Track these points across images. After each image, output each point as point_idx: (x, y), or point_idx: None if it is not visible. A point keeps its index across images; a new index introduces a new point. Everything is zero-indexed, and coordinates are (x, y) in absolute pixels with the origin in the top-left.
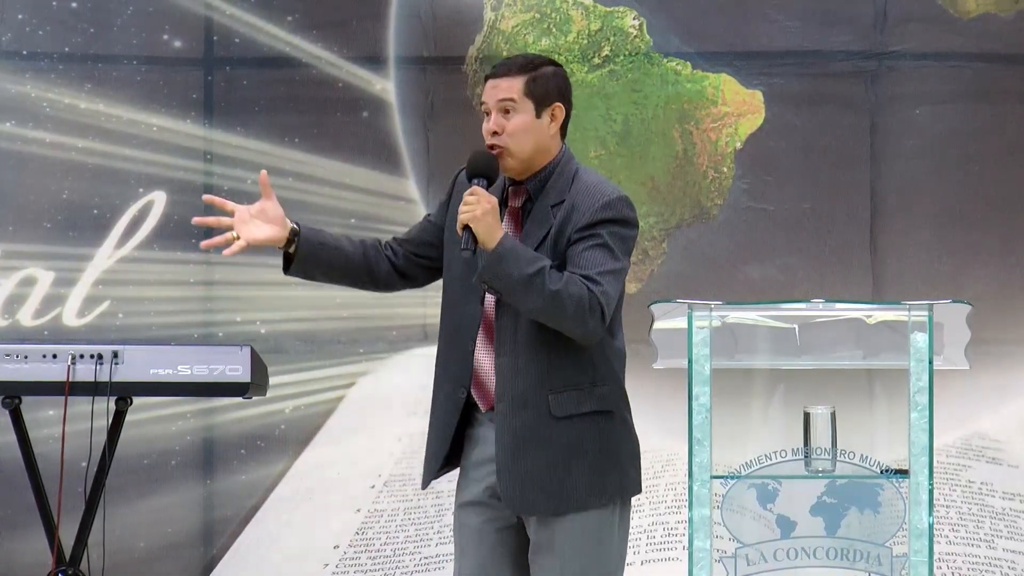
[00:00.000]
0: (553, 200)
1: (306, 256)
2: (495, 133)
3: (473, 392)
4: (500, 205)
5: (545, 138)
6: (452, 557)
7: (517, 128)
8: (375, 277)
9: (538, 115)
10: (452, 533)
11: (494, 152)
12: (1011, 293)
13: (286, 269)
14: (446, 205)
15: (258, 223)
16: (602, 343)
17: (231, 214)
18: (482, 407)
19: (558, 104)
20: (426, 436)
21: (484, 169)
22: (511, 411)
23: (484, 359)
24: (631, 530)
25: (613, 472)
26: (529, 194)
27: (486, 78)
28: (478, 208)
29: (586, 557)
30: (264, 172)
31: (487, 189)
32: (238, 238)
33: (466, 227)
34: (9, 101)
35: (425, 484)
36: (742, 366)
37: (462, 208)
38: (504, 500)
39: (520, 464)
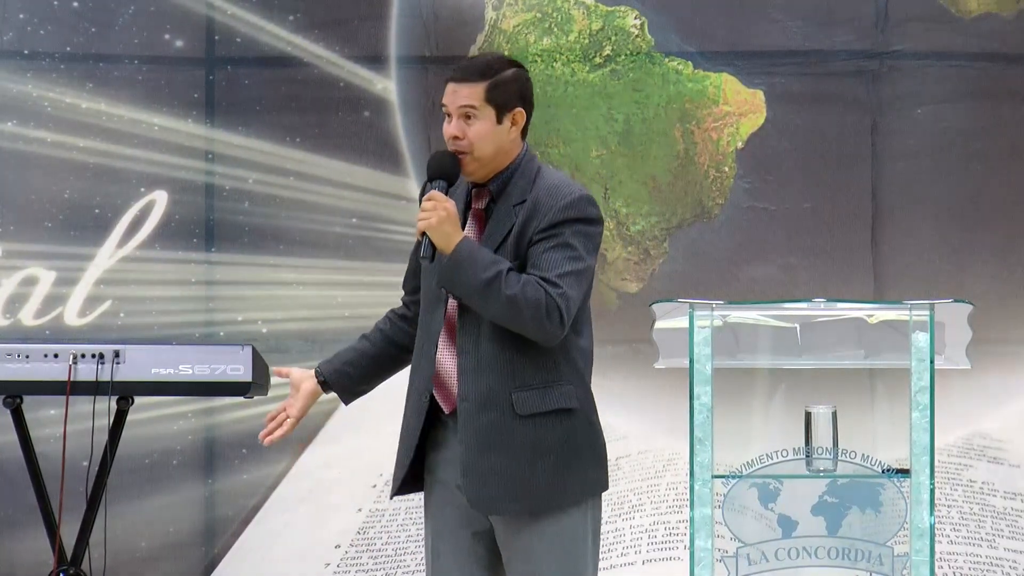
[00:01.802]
0: (515, 200)
1: (344, 387)
2: (456, 138)
3: (436, 394)
4: (464, 207)
5: (506, 142)
6: None
7: (478, 135)
8: (408, 346)
9: (499, 121)
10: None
11: (462, 158)
12: (1012, 292)
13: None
14: None
15: (296, 398)
16: (566, 342)
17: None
18: (445, 409)
19: (519, 109)
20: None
21: (444, 170)
22: (475, 410)
23: (446, 360)
24: (632, 530)
25: (576, 471)
26: (492, 195)
27: (447, 80)
28: (434, 216)
29: (558, 560)
30: (277, 370)
31: (448, 190)
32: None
33: (423, 234)
34: (10, 101)
35: (393, 494)
36: (743, 366)
37: (420, 215)
38: (469, 500)
39: (484, 463)
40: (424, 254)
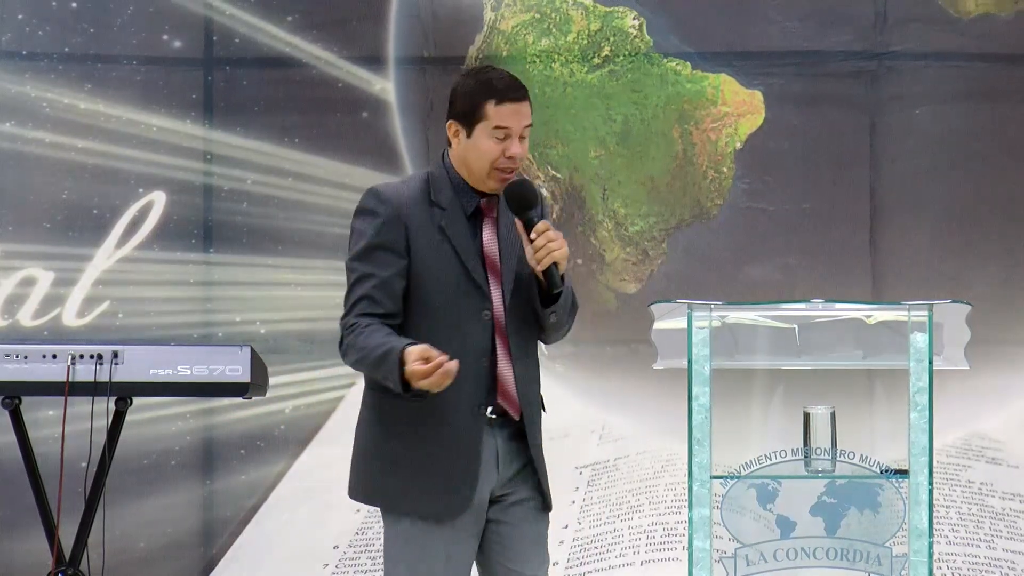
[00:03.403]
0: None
1: None
2: (512, 158)
3: (502, 403)
4: (476, 216)
5: None
6: None
7: (526, 151)
8: None
9: None
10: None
11: (505, 174)
12: (1011, 293)
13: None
14: (403, 238)
15: None
16: None
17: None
18: (515, 416)
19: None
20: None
21: (532, 199)
22: (535, 413)
23: (506, 370)
24: (630, 531)
25: None
26: (497, 204)
27: (506, 99)
28: (565, 247)
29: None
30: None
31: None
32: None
33: (553, 264)
34: (9, 101)
35: (459, 512)
36: (742, 366)
37: (553, 245)
38: (543, 501)
39: (544, 463)
40: (557, 283)
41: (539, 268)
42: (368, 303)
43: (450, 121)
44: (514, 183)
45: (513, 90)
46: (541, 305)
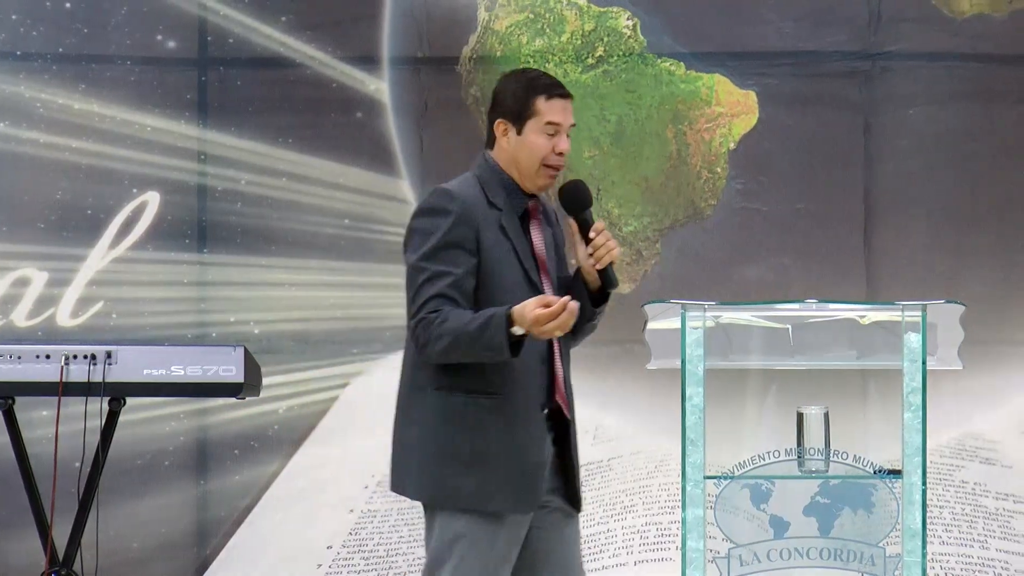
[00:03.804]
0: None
1: None
2: (562, 154)
3: (559, 402)
4: (525, 216)
5: None
6: None
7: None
8: None
9: None
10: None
11: (554, 171)
12: (1005, 293)
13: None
14: (474, 237)
15: None
16: None
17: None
18: (568, 415)
19: None
20: (481, 458)
21: (587, 198)
22: (572, 415)
23: (559, 370)
24: (624, 531)
25: None
26: (540, 203)
27: (558, 95)
28: (617, 247)
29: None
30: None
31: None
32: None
33: (610, 264)
34: (3, 101)
35: (530, 509)
36: (736, 366)
37: (611, 244)
38: (578, 500)
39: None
40: (614, 281)
41: (598, 267)
42: (441, 301)
43: (498, 120)
44: (569, 183)
45: (559, 87)
46: (591, 305)
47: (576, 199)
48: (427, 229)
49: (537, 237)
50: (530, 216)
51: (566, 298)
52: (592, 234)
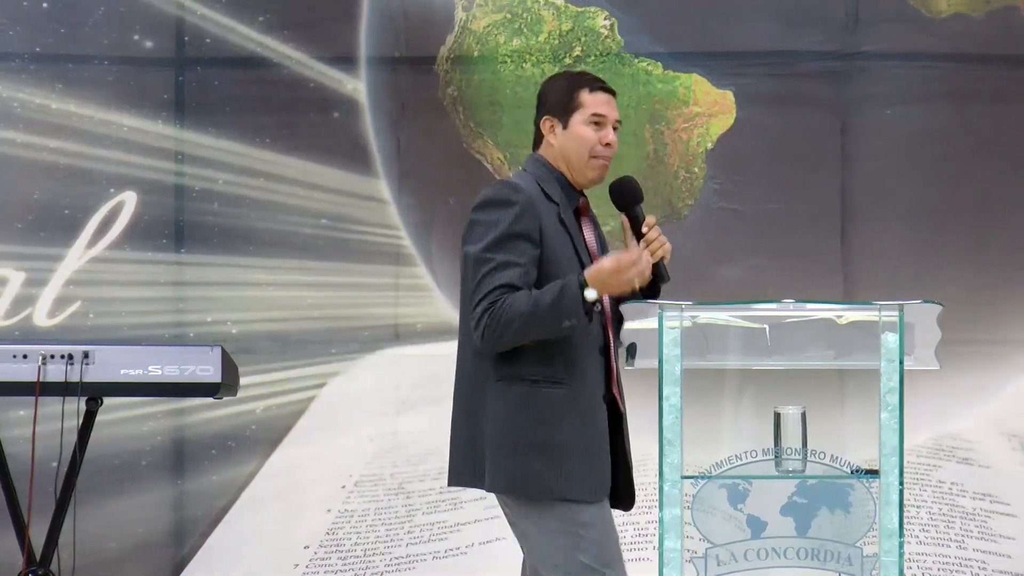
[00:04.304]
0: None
1: None
2: (608, 145)
3: (615, 394)
4: (576, 213)
5: None
6: (422, 558)
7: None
8: None
9: None
10: (609, 532)
11: (603, 162)
12: (982, 293)
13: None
14: (538, 228)
15: None
16: None
17: None
18: (621, 408)
19: None
20: (562, 448)
21: (640, 196)
22: (625, 407)
23: (614, 362)
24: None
25: None
26: (588, 203)
27: (601, 89)
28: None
29: None
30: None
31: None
32: None
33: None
34: None
35: (606, 495)
36: (713, 366)
37: (662, 239)
38: (632, 496)
39: None
40: (666, 275)
41: (651, 260)
42: (506, 291)
43: (544, 118)
44: (619, 179)
45: (602, 81)
46: (645, 297)
47: (627, 195)
48: (491, 220)
49: (589, 233)
50: (581, 213)
51: (643, 245)
52: (644, 229)
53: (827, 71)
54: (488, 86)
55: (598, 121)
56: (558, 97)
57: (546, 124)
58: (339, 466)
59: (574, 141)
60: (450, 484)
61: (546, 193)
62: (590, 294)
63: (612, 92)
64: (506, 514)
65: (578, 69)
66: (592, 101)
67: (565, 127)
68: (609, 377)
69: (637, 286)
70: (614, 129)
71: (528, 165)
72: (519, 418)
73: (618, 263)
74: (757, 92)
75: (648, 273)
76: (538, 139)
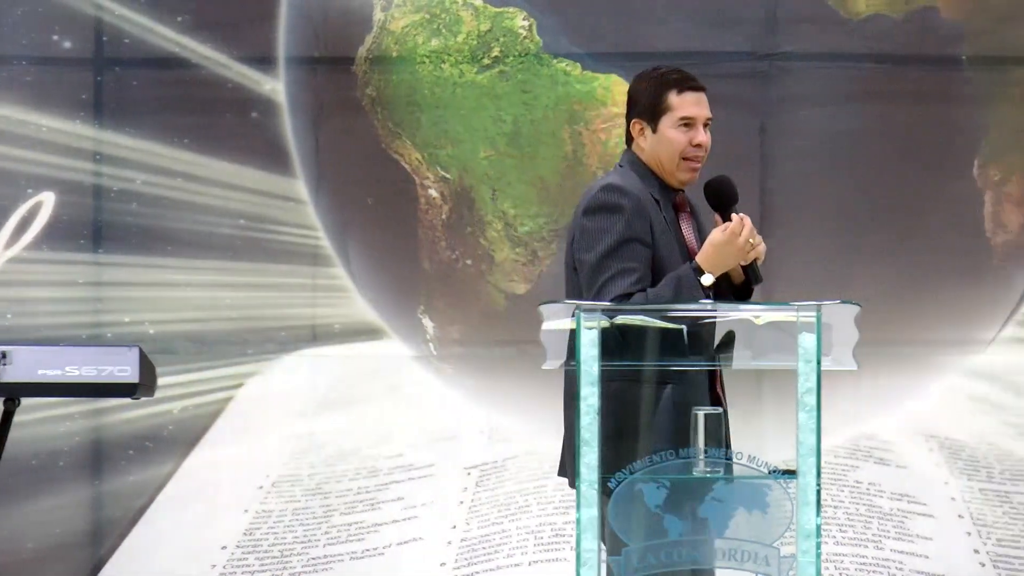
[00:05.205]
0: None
1: None
2: (699, 146)
3: (719, 391)
4: (676, 210)
5: None
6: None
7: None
8: None
9: None
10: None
11: (695, 164)
12: (900, 294)
13: None
14: (648, 228)
15: None
16: None
17: None
18: (724, 405)
19: None
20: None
21: (735, 196)
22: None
23: None
24: (518, 531)
25: None
26: (686, 197)
27: (691, 88)
28: (762, 244)
29: None
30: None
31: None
32: None
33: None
34: None
35: None
36: (631, 367)
37: (755, 240)
38: None
39: None
40: (759, 276)
41: (744, 262)
42: (627, 300)
43: (634, 120)
44: (715, 179)
45: (692, 80)
46: (737, 299)
47: (723, 195)
48: (603, 227)
49: (687, 230)
50: (678, 209)
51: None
52: (737, 227)
53: (746, 72)
54: (406, 86)
55: (688, 123)
56: (646, 99)
57: (635, 127)
58: (256, 467)
59: (663, 145)
60: (561, 474)
61: (648, 190)
62: (707, 279)
63: (702, 89)
64: None
65: (666, 66)
66: (680, 103)
67: (654, 131)
68: (712, 375)
69: (751, 258)
70: (705, 127)
71: (625, 162)
72: (618, 414)
73: (729, 232)
74: None
75: (762, 246)
76: (630, 138)
